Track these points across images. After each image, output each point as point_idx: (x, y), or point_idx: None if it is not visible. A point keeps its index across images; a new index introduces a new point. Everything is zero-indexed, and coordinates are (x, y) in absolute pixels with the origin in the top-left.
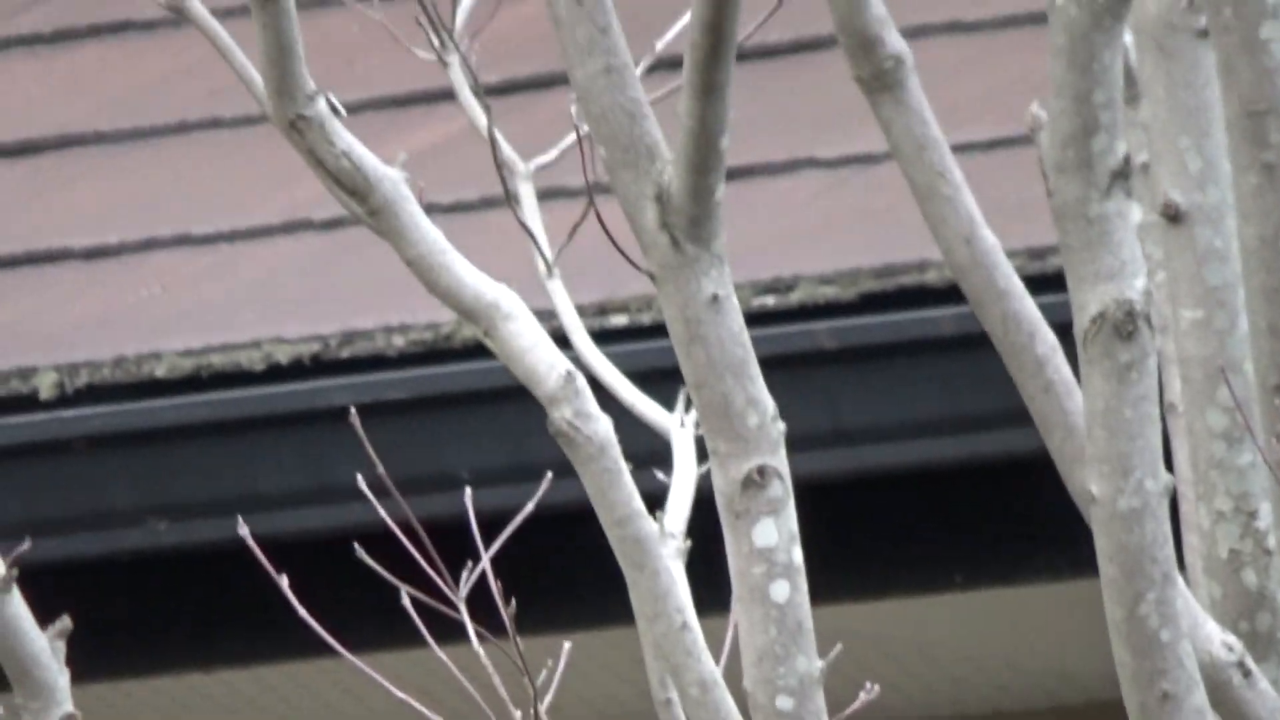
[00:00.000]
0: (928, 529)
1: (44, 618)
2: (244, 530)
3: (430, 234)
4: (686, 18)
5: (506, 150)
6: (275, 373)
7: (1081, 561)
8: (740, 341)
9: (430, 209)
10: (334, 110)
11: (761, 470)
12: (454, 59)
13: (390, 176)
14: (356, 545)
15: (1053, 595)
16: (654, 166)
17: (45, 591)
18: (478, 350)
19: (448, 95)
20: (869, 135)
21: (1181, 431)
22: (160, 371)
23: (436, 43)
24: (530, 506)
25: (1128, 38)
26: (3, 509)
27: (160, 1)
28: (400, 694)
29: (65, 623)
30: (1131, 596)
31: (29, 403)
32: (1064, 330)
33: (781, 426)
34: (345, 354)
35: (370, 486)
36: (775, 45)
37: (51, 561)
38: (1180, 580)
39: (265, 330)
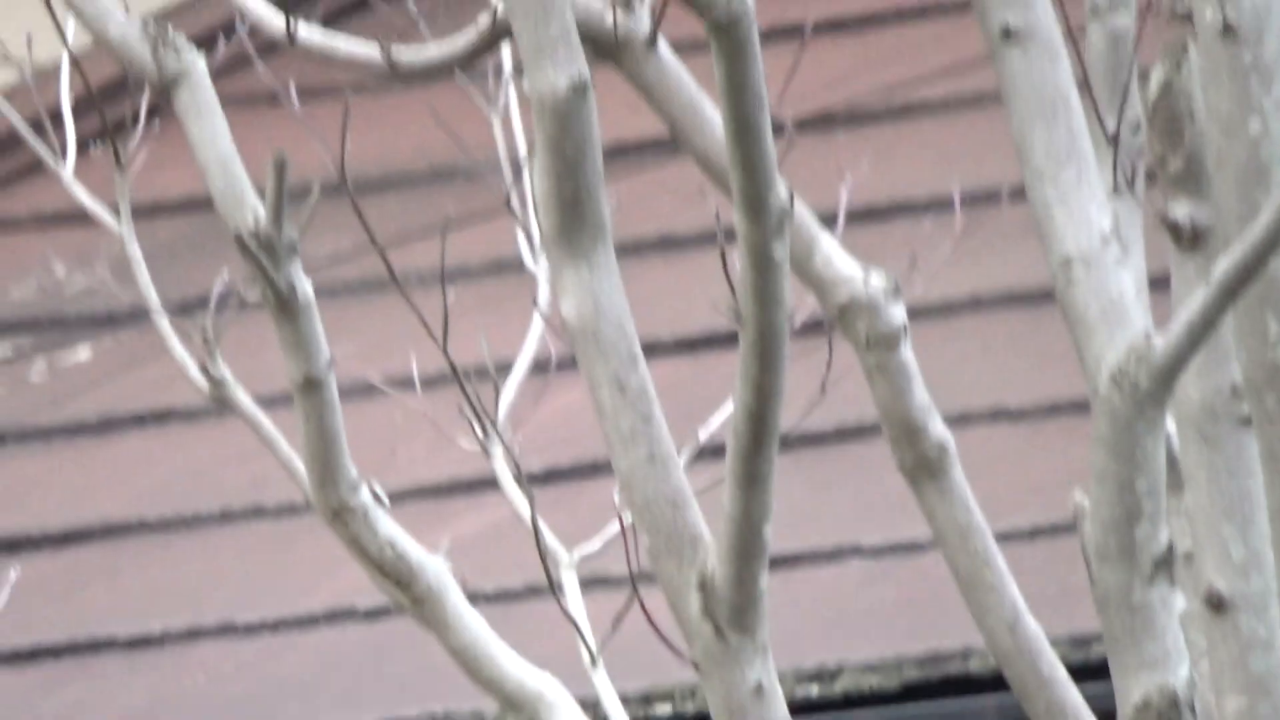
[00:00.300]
0: None
1: None
2: None
3: (474, 623)
4: (729, 406)
5: (550, 539)
6: None
7: None
8: None
9: (474, 598)
10: (377, 499)
11: None
12: (497, 448)
13: (434, 565)
14: None
15: None
16: (697, 555)
17: None
18: None
19: (491, 484)
20: (913, 523)
21: None
22: None
23: (480, 432)
24: None
25: (1170, 426)
26: None
27: (204, 391)
28: None
29: None
30: None
31: None
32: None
33: None
34: None
35: None
36: (819, 433)
37: None
38: None
39: None
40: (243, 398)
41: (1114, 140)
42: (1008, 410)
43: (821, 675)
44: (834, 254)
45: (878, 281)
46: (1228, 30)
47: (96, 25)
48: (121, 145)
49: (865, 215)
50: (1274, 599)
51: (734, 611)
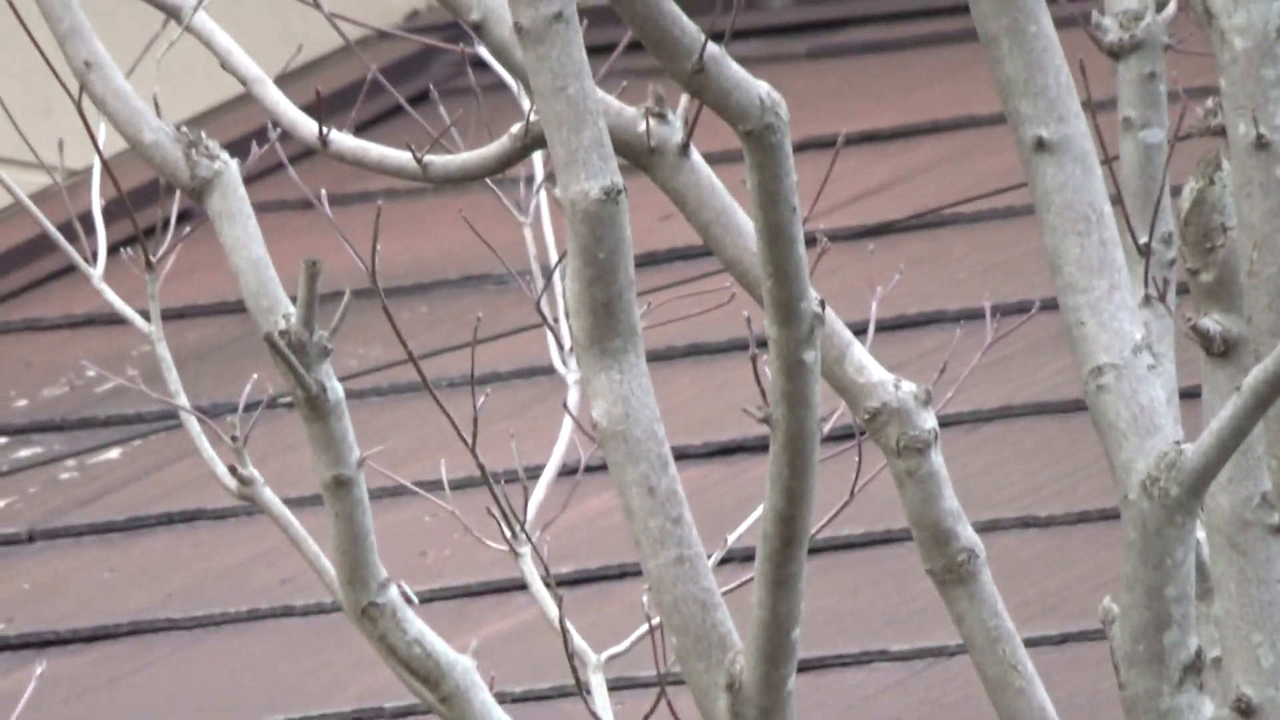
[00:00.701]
0: None
1: None
2: None
3: None
4: (759, 510)
5: (577, 640)
6: None
7: None
8: None
9: (502, 699)
10: (406, 598)
11: None
12: (526, 550)
13: (462, 664)
14: None
15: None
16: (726, 656)
17: None
18: None
19: (519, 586)
20: (942, 628)
21: None
22: None
23: (509, 534)
24: None
25: (1200, 533)
26: None
27: (232, 491)
28: None
29: None
30: None
31: None
32: None
33: None
34: None
35: None
36: (848, 538)
37: None
38: None
39: None
40: (271, 498)
41: (1146, 252)
42: (1037, 518)
43: None
44: (865, 361)
45: (909, 388)
46: (1260, 144)
47: (130, 129)
48: (152, 249)
49: (896, 326)
50: None
51: (762, 713)
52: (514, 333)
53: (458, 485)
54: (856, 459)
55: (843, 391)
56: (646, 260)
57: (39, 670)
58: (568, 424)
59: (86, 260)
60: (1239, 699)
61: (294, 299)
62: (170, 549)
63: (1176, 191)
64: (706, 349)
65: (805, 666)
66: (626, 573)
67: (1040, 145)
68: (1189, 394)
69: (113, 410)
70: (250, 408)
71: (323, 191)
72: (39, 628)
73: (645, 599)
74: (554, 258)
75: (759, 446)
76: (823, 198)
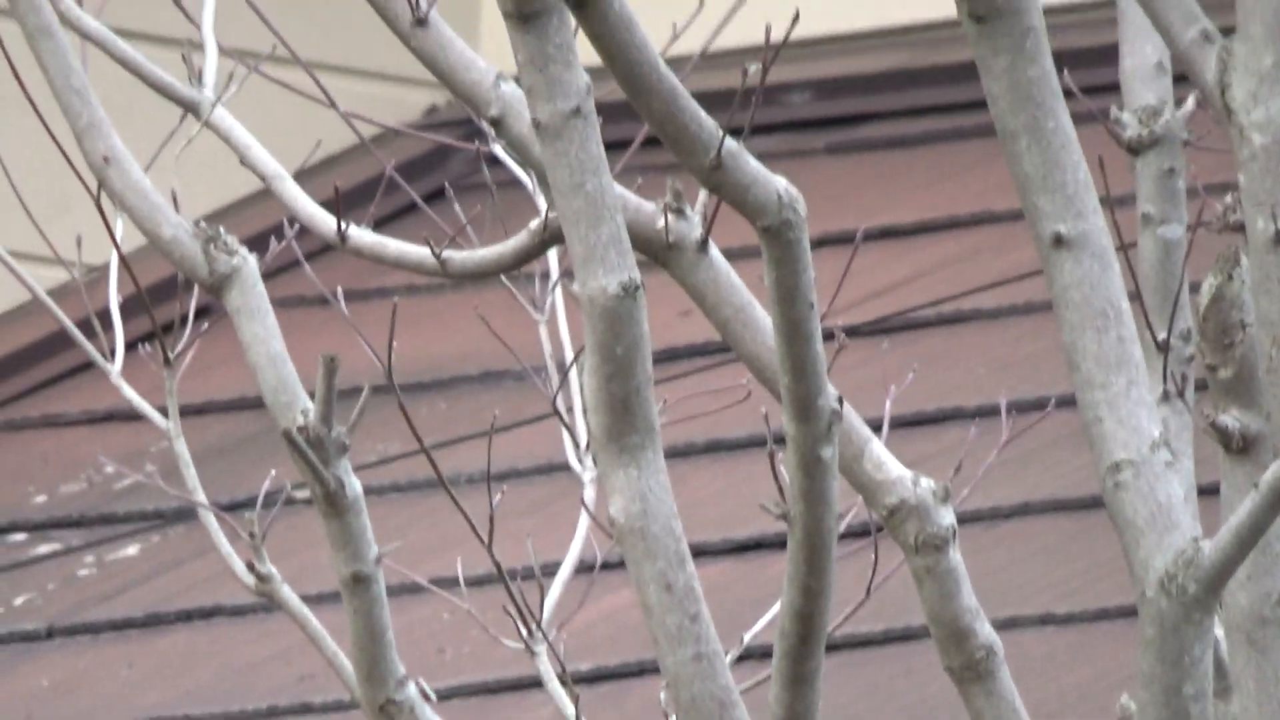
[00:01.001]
0: None
1: None
2: None
3: None
4: (776, 607)
5: None
6: None
7: None
8: None
9: None
10: (424, 696)
11: None
12: (542, 648)
13: None
14: None
15: None
16: None
17: None
18: None
19: (538, 683)
20: None
21: None
22: None
23: (525, 632)
24: None
25: (1218, 631)
26: None
27: (250, 588)
28: None
29: None
30: None
31: None
32: None
33: None
34: None
35: None
36: (866, 635)
37: None
38: None
39: None
40: (289, 594)
41: (1164, 348)
42: (1056, 615)
43: None
44: (884, 457)
45: (927, 485)
46: (1279, 240)
47: (148, 225)
48: (170, 345)
49: (914, 422)
50: None
51: None
52: (522, 424)
53: (475, 582)
54: (873, 556)
55: (861, 488)
56: (665, 356)
57: None
58: (584, 520)
59: (104, 356)
60: None
61: (312, 395)
62: (189, 646)
63: (1195, 288)
64: (725, 445)
65: None
66: (645, 670)
67: (1058, 241)
68: (1207, 491)
69: (131, 506)
70: (268, 504)
71: (339, 289)
72: None
73: (663, 696)
74: (570, 354)
75: (777, 543)
76: (841, 293)
